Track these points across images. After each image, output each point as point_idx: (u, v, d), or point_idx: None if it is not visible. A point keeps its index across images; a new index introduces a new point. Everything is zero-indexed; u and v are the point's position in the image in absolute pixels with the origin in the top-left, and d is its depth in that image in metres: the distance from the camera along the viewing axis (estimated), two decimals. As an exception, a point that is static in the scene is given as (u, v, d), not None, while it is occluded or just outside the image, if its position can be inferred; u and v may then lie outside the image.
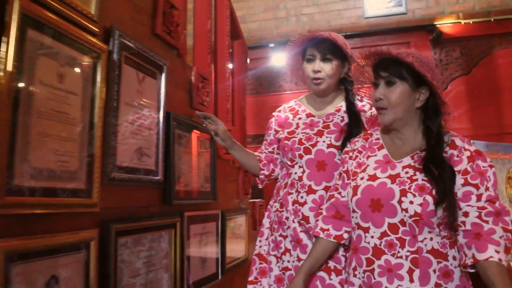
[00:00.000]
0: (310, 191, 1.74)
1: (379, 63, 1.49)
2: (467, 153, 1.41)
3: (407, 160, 1.45)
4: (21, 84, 1.08)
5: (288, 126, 1.89)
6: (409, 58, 1.38)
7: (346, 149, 1.66)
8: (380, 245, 1.39)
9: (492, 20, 4.73)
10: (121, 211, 1.53)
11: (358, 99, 1.87)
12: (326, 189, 1.71)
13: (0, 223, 1.01)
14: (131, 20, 1.65)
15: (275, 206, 1.88)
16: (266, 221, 1.95)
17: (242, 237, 2.95)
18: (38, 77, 1.15)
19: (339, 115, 1.84)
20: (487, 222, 1.32)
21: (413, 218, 1.34)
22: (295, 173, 1.80)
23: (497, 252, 1.27)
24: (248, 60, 3.87)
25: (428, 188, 1.35)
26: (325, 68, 1.78)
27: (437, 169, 1.37)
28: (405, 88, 1.43)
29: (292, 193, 1.79)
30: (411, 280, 1.33)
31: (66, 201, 1.23)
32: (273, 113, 2.01)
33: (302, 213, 1.73)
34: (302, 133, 1.83)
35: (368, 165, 1.51)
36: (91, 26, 1.37)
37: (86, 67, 1.36)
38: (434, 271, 1.34)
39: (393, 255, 1.36)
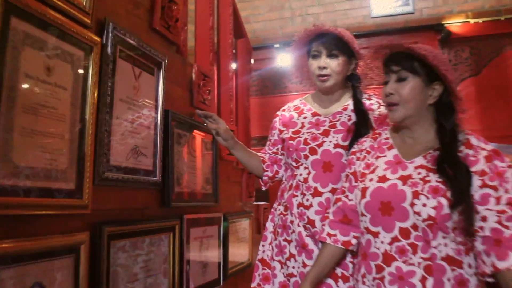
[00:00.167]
0: (316, 193, 1.68)
1: (390, 58, 1.43)
2: (484, 153, 1.33)
3: (419, 160, 1.38)
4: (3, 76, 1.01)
5: (292, 126, 1.84)
6: (422, 51, 1.33)
7: (353, 149, 1.60)
8: (390, 251, 1.32)
9: (502, 19, 4.67)
10: (115, 213, 1.47)
11: (365, 97, 1.81)
12: (333, 191, 1.65)
13: (-23, 225, 0.94)
14: (126, 13, 1.60)
15: (279, 209, 1.83)
16: (269, 225, 1.89)
17: (245, 241, 2.90)
18: (23, 69, 1.09)
19: (346, 114, 1.78)
20: (507, 227, 1.24)
21: (426, 222, 1.27)
22: (300, 174, 1.75)
23: None
24: (252, 61, 3.83)
25: (442, 190, 1.28)
26: (331, 65, 1.72)
27: (452, 170, 1.30)
28: (418, 83, 1.37)
29: (297, 196, 1.74)
30: (424, 289, 1.26)
31: (54, 201, 1.16)
32: (277, 113, 1.96)
33: (307, 217, 1.68)
34: (307, 132, 1.78)
35: (377, 166, 1.45)
36: (82, 17, 1.31)
37: (77, 60, 1.29)
38: (449, 279, 1.26)
39: (404, 262, 1.29)
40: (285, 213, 1.78)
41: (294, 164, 1.78)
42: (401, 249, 1.30)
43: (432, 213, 1.26)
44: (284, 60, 5.21)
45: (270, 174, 1.93)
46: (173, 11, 1.86)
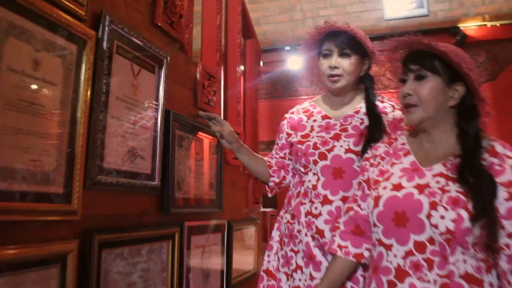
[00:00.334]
0: (326, 201, 1.61)
1: (408, 57, 1.37)
2: (510, 162, 1.24)
3: (438, 168, 1.29)
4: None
5: (301, 129, 1.77)
6: (442, 47, 1.26)
7: (366, 155, 1.53)
8: (404, 265, 1.23)
9: (521, 22, 4.55)
10: (108, 220, 1.39)
11: (378, 100, 1.75)
12: (344, 199, 1.58)
13: None
14: (126, 6, 1.55)
15: (285, 217, 1.76)
16: (275, 234, 1.83)
17: (251, 250, 2.85)
18: (6, 61, 1.01)
19: (358, 117, 1.71)
20: None
21: (444, 236, 1.18)
22: (309, 181, 1.68)
23: None
24: (262, 63, 3.77)
25: (463, 201, 1.19)
26: (343, 64, 1.66)
27: (474, 179, 1.21)
28: (438, 82, 1.30)
29: (305, 203, 1.67)
30: (440, 310, 1.17)
31: (39, 206, 1.08)
32: (286, 115, 1.90)
33: (316, 226, 1.60)
34: (317, 136, 1.71)
35: (392, 173, 1.37)
36: (76, 8, 1.24)
37: (69, 55, 1.22)
38: (467, 299, 1.18)
39: (419, 278, 1.20)
40: (292, 221, 1.71)
41: (302, 169, 1.71)
42: (416, 264, 1.21)
43: (451, 226, 1.16)
44: (294, 63, 5.18)
45: (277, 180, 1.86)
46: (176, 7, 1.80)
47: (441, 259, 1.19)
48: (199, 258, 1.98)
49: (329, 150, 1.65)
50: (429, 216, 1.20)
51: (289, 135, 1.82)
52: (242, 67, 3.06)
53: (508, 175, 1.22)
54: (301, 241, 1.65)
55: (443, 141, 1.34)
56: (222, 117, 2.65)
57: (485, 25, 4.65)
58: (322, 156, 1.65)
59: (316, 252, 1.60)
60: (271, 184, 1.87)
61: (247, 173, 2.83)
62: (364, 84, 1.76)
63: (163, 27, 1.74)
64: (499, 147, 1.27)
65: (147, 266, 1.54)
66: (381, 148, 1.49)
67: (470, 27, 4.70)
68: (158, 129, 1.67)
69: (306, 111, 1.83)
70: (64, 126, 1.17)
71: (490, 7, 4.72)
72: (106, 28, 1.35)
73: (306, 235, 1.63)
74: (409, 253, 1.22)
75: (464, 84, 1.29)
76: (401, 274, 1.23)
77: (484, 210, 1.17)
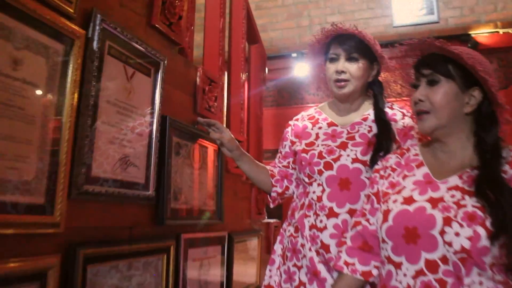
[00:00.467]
0: (331, 214, 1.54)
1: (420, 61, 1.30)
2: None
3: (454, 180, 1.21)
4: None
5: (306, 137, 1.72)
6: (455, 49, 1.19)
7: (376, 167, 1.45)
8: (414, 286, 1.15)
9: (534, 29, 4.47)
10: (95, 233, 1.31)
11: (388, 107, 1.69)
12: (351, 212, 1.52)
13: None
14: (120, 6, 1.48)
15: (289, 230, 1.70)
16: (278, 247, 1.76)
17: (253, 261, 2.78)
18: None
19: (366, 125, 1.65)
20: None
21: (458, 255, 1.10)
22: (314, 192, 1.61)
23: None
24: (267, 69, 3.73)
25: (480, 217, 1.10)
26: (350, 69, 1.62)
27: (493, 193, 1.13)
28: (452, 88, 1.22)
29: (309, 216, 1.61)
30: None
31: (15, 218, 0.99)
32: (290, 122, 1.84)
33: (321, 240, 1.54)
34: (322, 145, 1.65)
35: (404, 186, 1.29)
36: (63, 5, 1.17)
37: (54, 54, 1.14)
38: (483, 326, 1.09)
39: None
40: (295, 235, 1.65)
41: (306, 180, 1.65)
42: (427, 285, 1.13)
43: (466, 244, 1.08)
44: (301, 70, 5.17)
45: (279, 190, 1.79)
46: (175, 7, 1.74)
47: (455, 280, 1.10)
48: (196, 272, 1.91)
49: (335, 160, 1.59)
50: (442, 232, 1.12)
51: (293, 143, 1.77)
52: (246, 72, 3.01)
53: None
54: (304, 256, 1.59)
55: (459, 151, 1.27)
56: (224, 124, 2.59)
57: (497, 32, 4.58)
58: (328, 166, 1.59)
59: (321, 268, 1.53)
60: (273, 194, 1.81)
61: (249, 182, 2.76)
62: (373, 90, 1.71)
63: (161, 28, 1.68)
64: None
65: (139, 281, 1.45)
66: (392, 159, 1.42)
67: (482, 34, 4.63)
68: (154, 136, 1.60)
69: (311, 118, 1.78)
70: (47, 131, 1.09)
71: (503, 13, 4.64)
72: (97, 27, 1.28)
73: (310, 249, 1.57)
74: (420, 273, 1.15)
75: (480, 89, 1.22)
76: (411, 295, 1.16)
77: (504, 228, 1.08)
